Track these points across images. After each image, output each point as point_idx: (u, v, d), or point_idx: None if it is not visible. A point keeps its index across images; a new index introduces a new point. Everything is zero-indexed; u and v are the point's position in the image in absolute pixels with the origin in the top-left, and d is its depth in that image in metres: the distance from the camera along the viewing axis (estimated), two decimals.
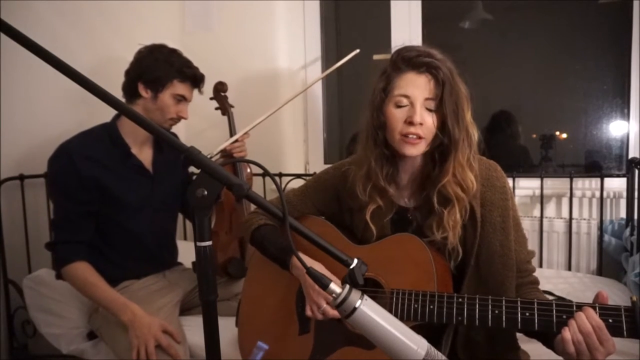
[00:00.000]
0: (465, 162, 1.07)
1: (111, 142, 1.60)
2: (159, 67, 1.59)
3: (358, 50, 1.94)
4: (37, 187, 2.03)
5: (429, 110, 1.06)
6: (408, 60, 1.07)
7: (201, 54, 1.86)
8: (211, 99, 1.94)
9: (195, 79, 1.67)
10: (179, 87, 1.63)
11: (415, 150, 1.07)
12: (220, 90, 1.93)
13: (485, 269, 1.09)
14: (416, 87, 1.06)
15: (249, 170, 1.92)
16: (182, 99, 1.65)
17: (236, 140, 1.76)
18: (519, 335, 1.18)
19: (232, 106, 1.94)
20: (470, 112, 1.09)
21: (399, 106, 1.07)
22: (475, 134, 1.10)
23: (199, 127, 2.39)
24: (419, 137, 1.06)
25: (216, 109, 1.95)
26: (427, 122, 1.06)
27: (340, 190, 1.23)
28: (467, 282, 1.10)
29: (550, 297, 1.57)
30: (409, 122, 1.05)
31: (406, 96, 1.06)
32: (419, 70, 1.06)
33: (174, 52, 1.65)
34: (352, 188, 1.17)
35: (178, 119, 1.67)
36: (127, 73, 1.64)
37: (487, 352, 1.11)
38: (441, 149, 1.08)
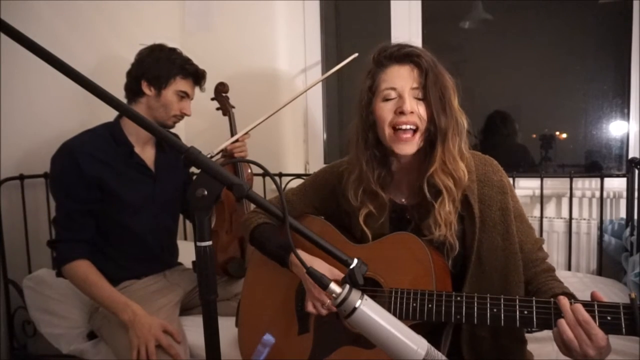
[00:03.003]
0: (456, 151, 1.07)
1: (114, 141, 1.61)
2: (162, 65, 1.62)
3: (357, 54, 1.95)
4: (37, 187, 2.03)
5: (417, 100, 1.06)
6: (390, 55, 1.09)
7: (201, 54, 1.86)
8: (212, 99, 1.94)
9: (197, 76, 1.70)
10: (182, 84, 1.65)
11: (410, 147, 1.06)
12: (221, 91, 1.94)
13: (488, 264, 1.09)
14: (401, 78, 1.06)
15: (249, 170, 1.92)
16: (185, 96, 1.68)
17: (237, 140, 1.77)
18: (528, 335, 1.18)
19: (233, 107, 1.94)
20: (458, 100, 1.09)
21: (387, 99, 1.07)
22: (464, 122, 1.09)
23: (200, 127, 2.39)
24: (414, 131, 1.05)
25: (217, 109, 1.96)
26: (417, 111, 1.05)
27: (338, 190, 1.24)
28: (469, 278, 1.09)
29: None
30: (400, 112, 1.05)
31: (393, 88, 1.06)
32: (402, 61, 1.08)
33: (174, 50, 1.68)
34: (346, 190, 1.17)
35: (181, 115, 1.69)
36: (130, 73, 1.66)
37: (493, 346, 1.10)
38: (430, 140, 1.08)
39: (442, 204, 1.07)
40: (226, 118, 1.94)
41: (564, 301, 0.90)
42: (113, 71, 1.67)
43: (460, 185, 1.08)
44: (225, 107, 1.94)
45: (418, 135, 1.06)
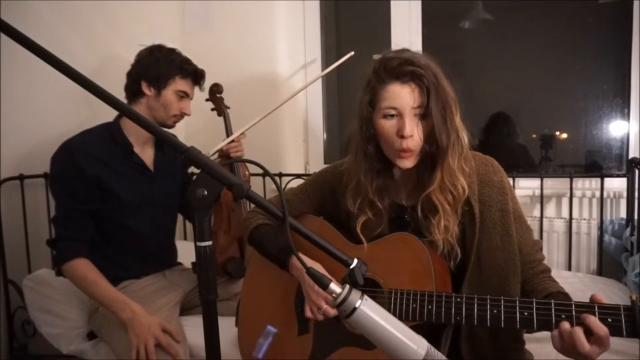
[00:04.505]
0: (456, 167, 1.06)
1: (113, 140, 1.61)
2: (161, 65, 1.62)
3: (353, 53, 1.95)
4: (37, 187, 2.03)
5: (418, 117, 1.05)
6: (391, 70, 1.05)
7: (201, 54, 1.86)
8: (207, 100, 1.94)
9: (196, 75, 1.71)
10: (181, 84, 1.66)
11: (409, 162, 1.07)
12: (215, 91, 1.93)
13: (487, 264, 1.09)
14: (402, 98, 1.04)
15: (247, 172, 1.92)
16: (184, 96, 1.68)
17: (232, 141, 1.77)
18: (527, 335, 1.18)
19: (227, 107, 1.94)
20: (460, 114, 1.08)
21: (388, 117, 1.06)
22: (465, 138, 1.08)
23: (198, 127, 2.39)
24: (410, 151, 1.05)
25: (212, 109, 1.95)
26: (417, 134, 1.05)
27: (338, 190, 1.23)
28: (468, 278, 1.09)
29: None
30: (401, 136, 1.04)
31: (393, 108, 1.05)
32: (403, 80, 1.04)
33: (173, 50, 1.68)
34: (345, 196, 1.17)
35: (181, 115, 1.70)
36: (130, 74, 1.66)
37: (491, 346, 1.10)
38: (431, 155, 1.07)
39: (439, 221, 1.07)
40: (222, 118, 1.93)
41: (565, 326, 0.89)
42: (113, 71, 1.68)
43: (459, 201, 1.08)
44: (220, 108, 1.93)
45: (415, 152, 1.06)
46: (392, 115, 1.05)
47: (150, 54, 1.65)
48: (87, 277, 1.50)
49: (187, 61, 1.68)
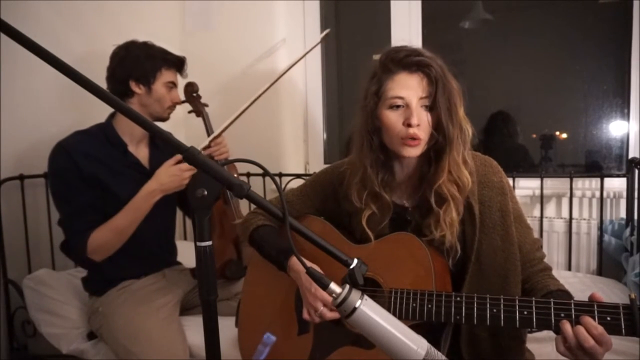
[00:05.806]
0: (460, 159, 1.07)
1: (108, 140, 1.61)
2: (144, 61, 1.62)
3: (329, 30, 1.93)
4: (37, 187, 2.03)
5: (425, 108, 1.05)
6: (398, 61, 1.06)
7: (201, 54, 1.86)
8: (183, 102, 1.82)
9: (179, 63, 1.71)
10: (168, 75, 1.66)
11: (415, 151, 1.06)
12: (191, 91, 1.85)
13: (487, 264, 1.09)
14: (410, 88, 1.04)
15: (236, 175, 1.89)
16: (172, 86, 1.69)
17: (210, 144, 1.70)
18: (529, 336, 1.18)
19: (206, 105, 1.87)
20: (463, 107, 1.08)
21: (394, 108, 1.06)
22: (469, 130, 1.09)
23: (197, 127, 2.38)
24: (418, 139, 1.05)
25: (189, 112, 1.88)
26: (424, 123, 1.05)
27: (338, 191, 1.23)
28: (468, 278, 1.10)
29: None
30: (408, 125, 1.04)
31: (400, 97, 1.05)
32: (410, 70, 1.05)
33: (147, 44, 1.67)
34: (348, 192, 1.17)
35: (173, 105, 1.70)
36: (113, 76, 1.63)
37: (491, 346, 1.11)
38: (436, 148, 1.07)
39: (447, 211, 1.07)
40: (213, 117, 1.85)
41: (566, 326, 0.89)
42: None
43: (464, 191, 1.08)
44: (197, 108, 1.85)
45: (422, 141, 1.06)
46: (398, 106, 1.05)
47: (128, 52, 1.63)
48: (106, 230, 1.50)
49: (166, 51, 1.68)
